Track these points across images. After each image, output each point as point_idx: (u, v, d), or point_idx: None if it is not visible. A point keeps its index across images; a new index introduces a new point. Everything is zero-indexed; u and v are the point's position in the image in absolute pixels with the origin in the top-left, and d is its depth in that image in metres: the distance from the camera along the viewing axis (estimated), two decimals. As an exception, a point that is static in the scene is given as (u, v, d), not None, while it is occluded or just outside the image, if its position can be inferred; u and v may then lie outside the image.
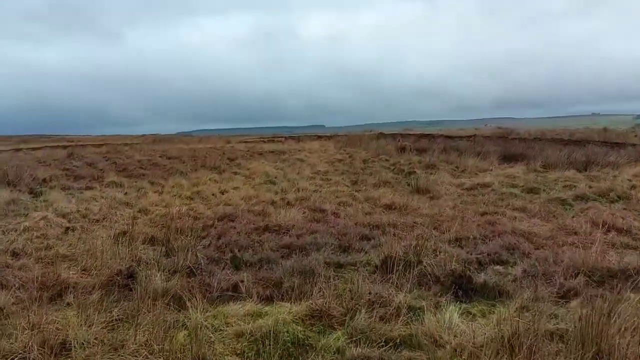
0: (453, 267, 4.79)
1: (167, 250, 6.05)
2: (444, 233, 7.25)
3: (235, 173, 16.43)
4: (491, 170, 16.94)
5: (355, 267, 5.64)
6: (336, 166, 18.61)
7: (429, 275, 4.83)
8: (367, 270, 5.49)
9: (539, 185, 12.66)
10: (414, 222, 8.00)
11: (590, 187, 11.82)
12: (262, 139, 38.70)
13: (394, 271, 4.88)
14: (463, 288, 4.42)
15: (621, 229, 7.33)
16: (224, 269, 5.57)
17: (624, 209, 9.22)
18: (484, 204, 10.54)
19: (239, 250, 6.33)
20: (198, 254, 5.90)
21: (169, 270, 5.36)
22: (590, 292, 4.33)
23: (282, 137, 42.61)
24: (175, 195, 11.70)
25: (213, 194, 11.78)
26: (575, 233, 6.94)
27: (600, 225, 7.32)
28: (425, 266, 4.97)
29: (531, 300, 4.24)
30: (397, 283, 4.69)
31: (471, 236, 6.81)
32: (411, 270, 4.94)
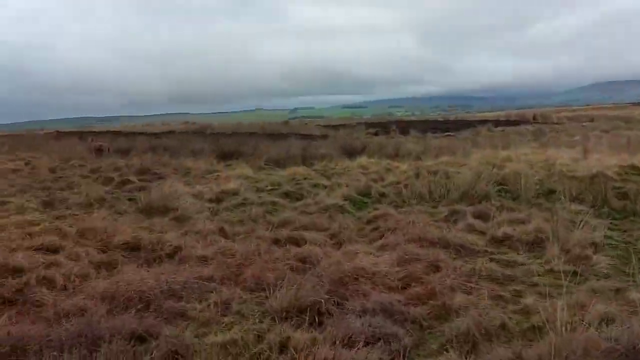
0: None
1: None
2: (252, 290, 4.46)
3: None
4: (218, 171, 14.58)
5: None
6: (11, 180, 13.17)
7: None
8: None
9: (293, 188, 10.90)
10: (200, 277, 4.92)
11: (347, 185, 10.66)
12: None
13: None
14: None
15: (456, 244, 5.92)
16: None
17: (411, 211, 8.10)
18: (253, 220, 8.09)
19: None
20: None
21: None
22: None
23: None
24: None
25: None
26: (438, 268, 5.10)
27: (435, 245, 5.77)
28: None
29: None
30: None
31: (319, 299, 4.20)
32: None
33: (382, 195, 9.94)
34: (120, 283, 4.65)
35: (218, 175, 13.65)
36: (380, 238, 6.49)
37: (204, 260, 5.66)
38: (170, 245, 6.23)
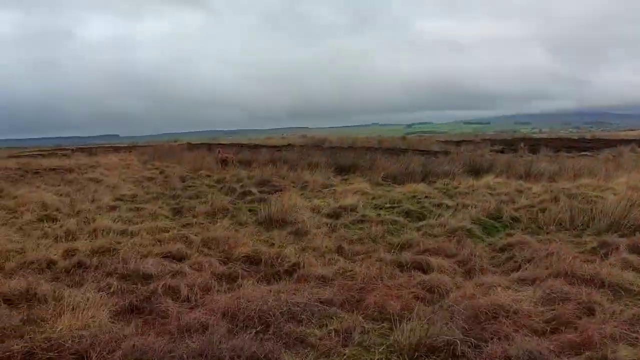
0: None
1: None
2: (375, 319, 4.06)
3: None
4: (334, 186, 14.46)
5: None
6: (147, 187, 14.20)
7: None
8: None
9: (414, 207, 10.37)
10: (320, 300, 4.65)
11: (474, 207, 9.89)
12: (40, 152, 31.17)
13: None
14: None
15: (612, 284, 5.05)
16: None
17: (551, 240, 7.20)
18: (372, 240, 7.74)
19: None
20: None
21: None
22: None
23: (68, 148, 35.35)
24: None
25: None
26: (592, 311, 4.36)
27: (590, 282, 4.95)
28: None
29: None
30: None
31: (454, 338, 3.71)
32: None
33: (515, 219, 9.05)
34: (241, 300, 4.53)
35: (335, 189, 13.52)
36: (517, 270, 5.78)
37: (322, 280, 5.41)
38: (289, 262, 6.09)
